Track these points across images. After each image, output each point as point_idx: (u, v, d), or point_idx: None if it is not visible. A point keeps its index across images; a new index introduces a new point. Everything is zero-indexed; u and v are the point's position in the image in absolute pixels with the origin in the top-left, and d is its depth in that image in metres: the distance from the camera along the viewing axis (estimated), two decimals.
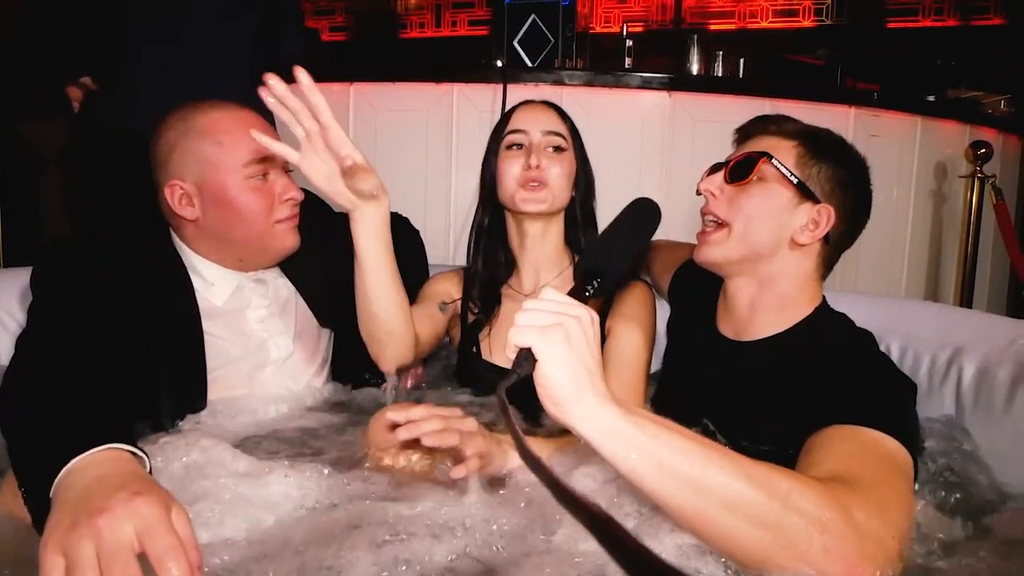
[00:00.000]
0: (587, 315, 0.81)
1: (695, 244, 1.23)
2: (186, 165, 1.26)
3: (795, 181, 1.12)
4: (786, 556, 0.75)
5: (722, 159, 1.23)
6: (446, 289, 1.56)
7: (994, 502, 1.07)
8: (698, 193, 1.22)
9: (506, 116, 1.51)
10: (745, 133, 1.24)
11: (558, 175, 1.44)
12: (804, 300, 1.17)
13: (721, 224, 1.17)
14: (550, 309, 0.80)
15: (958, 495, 1.08)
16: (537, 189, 1.42)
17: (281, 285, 1.42)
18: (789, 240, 1.14)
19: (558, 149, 1.45)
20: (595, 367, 0.79)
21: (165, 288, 1.28)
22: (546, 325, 0.78)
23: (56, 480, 0.80)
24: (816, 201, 1.13)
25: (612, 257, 0.96)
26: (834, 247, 1.17)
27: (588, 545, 0.85)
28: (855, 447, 0.89)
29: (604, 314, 1.43)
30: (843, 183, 1.15)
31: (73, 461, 0.80)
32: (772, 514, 0.75)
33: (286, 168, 1.35)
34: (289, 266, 1.42)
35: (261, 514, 0.94)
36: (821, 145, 1.16)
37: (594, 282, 0.91)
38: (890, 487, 0.84)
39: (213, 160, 1.25)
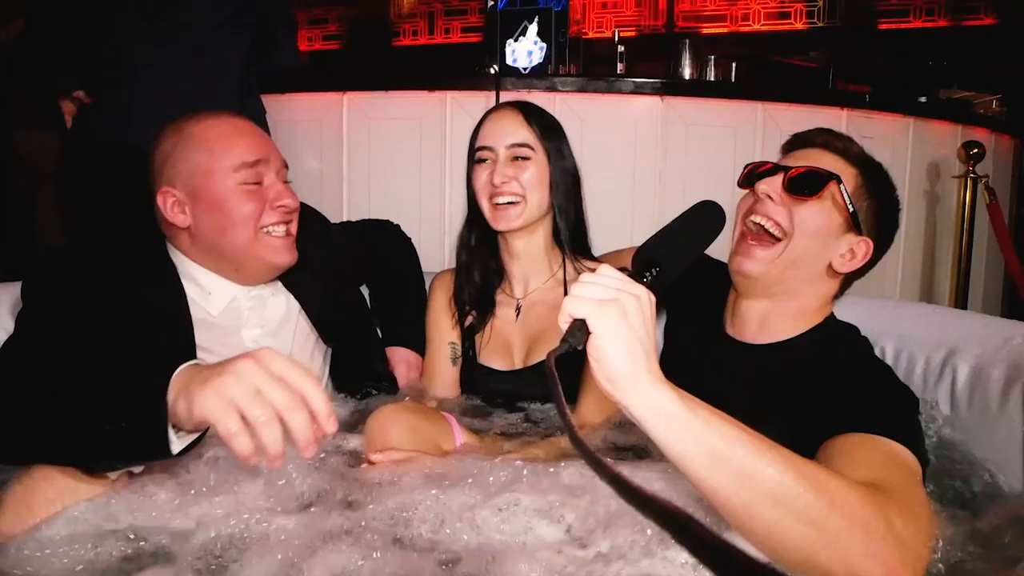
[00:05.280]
0: (646, 295, 0.80)
1: None
2: (177, 172, 1.27)
3: (851, 210, 1.11)
4: (828, 555, 0.75)
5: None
6: (447, 301, 1.57)
7: (988, 502, 1.08)
8: (742, 185, 1.18)
9: (476, 128, 1.50)
10: (804, 141, 1.20)
11: (527, 184, 1.42)
12: (817, 313, 1.18)
13: (774, 238, 1.13)
14: (609, 284, 0.79)
15: (953, 495, 1.08)
16: (506, 207, 1.43)
17: (280, 302, 1.40)
18: (827, 266, 1.14)
19: (522, 159, 1.43)
20: (651, 348, 0.78)
21: (156, 294, 1.27)
22: (604, 299, 0.77)
23: (170, 392, 0.83)
24: (859, 232, 1.13)
25: (674, 251, 0.93)
26: (857, 276, 1.18)
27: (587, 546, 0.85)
28: (879, 456, 0.89)
29: None
30: (886, 221, 1.15)
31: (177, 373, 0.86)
32: (819, 510, 0.75)
33: (283, 176, 1.34)
34: (290, 281, 1.41)
35: (260, 522, 0.94)
36: (877, 179, 1.15)
37: (652, 270, 0.88)
38: (916, 498, 0.85)
39: (204, 166, 1.25)
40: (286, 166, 1.36)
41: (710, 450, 0.76)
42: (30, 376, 0.99)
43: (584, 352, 0.78)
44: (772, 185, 1.13)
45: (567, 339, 0.76)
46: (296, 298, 1.41)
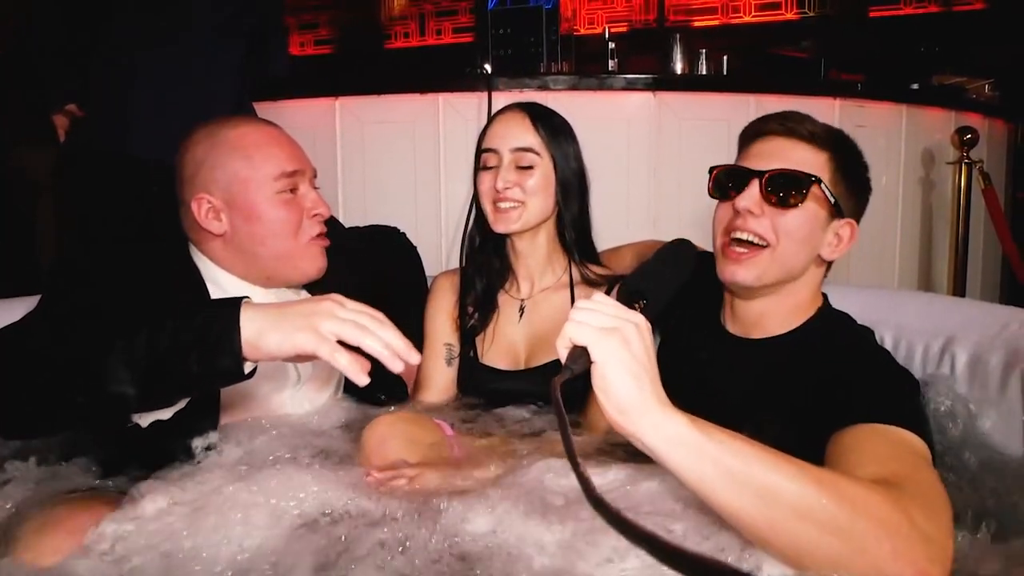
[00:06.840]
0: (644, 323, 0.79)
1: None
2: (214, 179, 1.26)
3: (833, 201, 1.09)
4: (857, 562, 0.74)
5: (712, 159, 1.18)
6: (447, 302, 1.57)
7: (988, 488, 1.08)
8: (714, 194, 1.15)
9: (485, 127, 1.52)
10: (764, 130, 1.14)
11: (530, 191, 1.43)
12: (812, 304, 1.18)
13: (761, 247, 1.11)
14: (609, 312, 0.79)
15: (953, 482, 1.08)
16: (507, 211, 1.43)
17: None
18: (816, 257, 1.14)
19: (526, 167, 1.44)
20: (655, 375, 0.78)
21: (182, 294, 1.26)
22: (605, 327, 0.76)
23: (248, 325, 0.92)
24: (842, 216, 1.12)
25: (657, 284, 0.96)
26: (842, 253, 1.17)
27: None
28: (890, 447, 0.88)
29: None
30: (861, 192, 1.13)
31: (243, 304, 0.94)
32: (843, 519, 0.74)
33: (314, 184, 1.34)
34: (314, 285, 1.39)
35: (276, 532, 0.95)
36: (848, 156, 1.13)
37: (641, 302, 0.90)
38: (933, 487, 0.84)
39: (243, 175, 1.25)
40: (316, 174, 1.36)
41: (728, 472, 0.75)
42: (77, 324, 1.02)
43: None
44: (751, 198, 1.10)
45: (569, 366, 0.76)
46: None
